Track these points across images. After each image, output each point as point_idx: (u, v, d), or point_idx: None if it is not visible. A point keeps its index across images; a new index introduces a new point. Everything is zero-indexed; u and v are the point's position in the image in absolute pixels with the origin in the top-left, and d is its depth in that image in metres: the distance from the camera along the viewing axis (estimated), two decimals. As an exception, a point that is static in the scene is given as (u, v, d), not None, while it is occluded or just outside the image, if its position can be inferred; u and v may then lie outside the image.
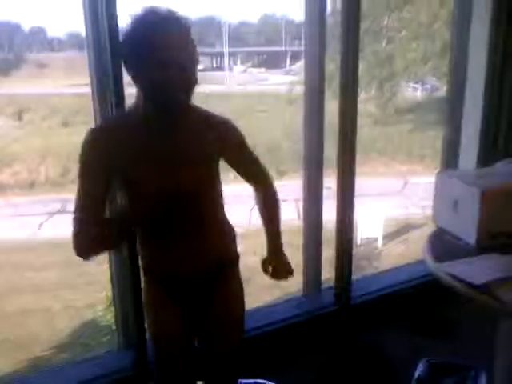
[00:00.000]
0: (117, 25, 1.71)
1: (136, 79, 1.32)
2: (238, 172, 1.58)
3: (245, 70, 27.67)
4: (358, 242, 10.47)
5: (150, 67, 1.25)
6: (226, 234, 1.57)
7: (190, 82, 1.31)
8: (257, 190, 1.64)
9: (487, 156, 2.81)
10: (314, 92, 2.41)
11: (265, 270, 1.66)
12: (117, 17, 1.71)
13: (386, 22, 18.50)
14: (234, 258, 1.61)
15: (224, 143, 1.46)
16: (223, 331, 1.56)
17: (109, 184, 1.39)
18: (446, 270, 1.40)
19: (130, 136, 1.34)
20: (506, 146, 2.86)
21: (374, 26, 18.29)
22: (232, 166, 1.54)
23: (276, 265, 1.65)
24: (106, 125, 1.53)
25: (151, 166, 1.34)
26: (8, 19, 24.14)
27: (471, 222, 1.55)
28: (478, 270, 1.36)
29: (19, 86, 19.91)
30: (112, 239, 1.39)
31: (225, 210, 1.56)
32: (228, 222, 1.58)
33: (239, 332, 1.61)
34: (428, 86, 19.45)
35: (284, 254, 1.67)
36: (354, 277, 2.58)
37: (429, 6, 16.88)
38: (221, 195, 1.53)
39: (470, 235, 1.57)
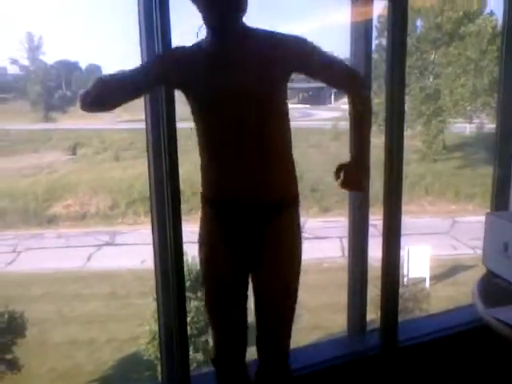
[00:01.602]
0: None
1: (196, 4, 1.41)
2: (324, 82, 1.53)
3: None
4: (405, 282, 10.16)
5: None
6: (290, 172, 1.52)
7: (239, 2, 1.39)
8: (348, 93, 1.54)
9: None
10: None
11: (337, 175, 1.56)
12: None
13: (432, 58, 18.46)
14: (294, 196, 1.53)
15: (295, 59, 1.43)
16: (275, 273, 1.49)
17: (152, 88, 1.59)
18: (495, 315, 1.34)
19: (195, 57, 1.44)
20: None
21: (421, 62, 18.30)
22: (315, 78, 1.50)
23: (350, 173, 1.54)
24: (176, 48, 1.58)
25: (216, 82, 1.40)
26: (66, 58, 25.61)
27: (524, 265, 1.50)
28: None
29: (75, 122, 20.98)
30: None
31: (292, 149, 1.52)
32: (292, 162, 1.52)
33: (291, 278, 1.52)
34: (477, 123, 19.05)
35: (365, 167, 1.56)
36: (401, 319, 2.49)
37: (477, 43, 16.75)
38: (288, 130, 1.49)
39: (522, 279, 1.51)
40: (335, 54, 1.60)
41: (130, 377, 7.14)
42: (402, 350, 2.38)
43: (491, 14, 16.51)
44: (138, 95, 1.52)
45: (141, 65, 1.59)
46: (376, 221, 2.57)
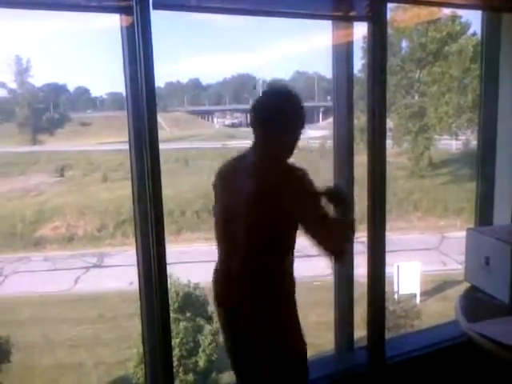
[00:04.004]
0: (153, 85, 1.81)
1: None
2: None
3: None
4: (396, 298, 10.15)
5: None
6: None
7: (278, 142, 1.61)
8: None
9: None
10: (343, 146, 2.43)
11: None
12: (154, 78, 1.81)
13: (417, 77, 18.79)
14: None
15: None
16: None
17: None
18: (477, 329, 1.35)
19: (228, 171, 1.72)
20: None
21: (406, 81, 18.60)
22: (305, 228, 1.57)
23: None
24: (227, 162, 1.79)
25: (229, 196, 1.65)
26: (54, 81, 25.66)
27: (504, 279, 1.51)
28: (511, 330, 1.31)
29: (62, 143, 20.93)
30: None
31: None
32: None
33: None
34: (463, 139, 19.31)
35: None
36: (392, 335, 2.49)
37: (460, 61, 17.10)
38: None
39: (502, 293, 1.53)
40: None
41: (118, 402, 7.01)
42: (390, 367, 2.37)
43: (474, 34, 16.89)
44: None
45: None
46: (364, 238, 2.58)
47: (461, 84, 17.54)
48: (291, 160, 1.70)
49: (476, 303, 1.60)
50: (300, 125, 1.63)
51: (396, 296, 10.31)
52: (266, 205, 1.52)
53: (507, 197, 2.83)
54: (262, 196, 1.52)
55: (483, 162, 3.00)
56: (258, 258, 1.58)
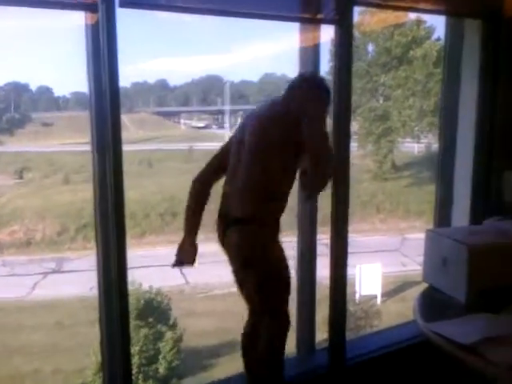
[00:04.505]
0: (118, 85, 1.77)
1: None
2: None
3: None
4: (357, 300, 10.30)
5: None
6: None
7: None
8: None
9: (479, 212, 2.81)
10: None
11: None
12: (118, 78, 1.77)
13: (382, 81, 19.17)
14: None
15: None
16: None
17: None
18: (435, 329, 1.37)
19: None
20: (497, 203, 2.87)
21: (371, 85, 18.96)
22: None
23: None
24: None
25: None
26: (16, 80, 24.90)
27: (460, 279, 1.54)
28: (467, 330, 1.33)
29: (23, 144, 20.30)
30: None
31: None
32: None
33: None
34: (425, 142, 19.81)
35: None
36: (353, 336, 2.51)
37: (423, 66, 17.53)
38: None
39: (459, 293, 1.55)
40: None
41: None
42: (350, 368, 2.39)
43: (438, 39, 17.33)
44: None
45: None
46: (327, 239, 2.59)
47: (424, 88, 17.98)
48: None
49: (434, 303, 1.62)
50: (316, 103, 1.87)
51: (357, 297, 10.46)
52: (269, 123, 1.85)
53: (465, 199, 2.90)
54: (268, 119, 1.86)
55: (443, 165, 3.07)
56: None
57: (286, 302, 1.89)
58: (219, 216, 1.94)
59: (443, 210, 3.05)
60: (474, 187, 2.88)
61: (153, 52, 27.51)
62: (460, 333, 1.31)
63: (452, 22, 2.90)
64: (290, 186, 1.90)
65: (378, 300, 11.04)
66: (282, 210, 1.90)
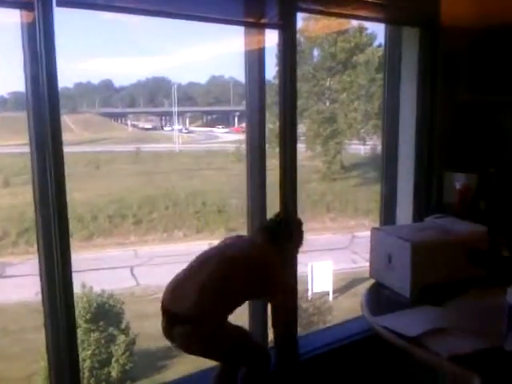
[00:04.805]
0: (56, 85, 1.73)
1: None
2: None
3: (190, 131, 28.10)
4: (309, 297, 10.48)
5: None
6: None
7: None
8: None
9: (421, 210, 2.94)
10: (255, 150, 2.47)
11: None
12: (56, 78, 1.73)
13: (328, 84, 19.61)
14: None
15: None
16: None
17: None
18: (381, 323, 1.42)
19: None
20: (438, 200, 3.01)
21: (318, 88, 19.36)
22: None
23: None
24: None
25: None
26: None
27: (404, 275, 1.61)
28: (411, 323, 1.39)
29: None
30: None
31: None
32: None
33: None
34: (371, 144, 20.43)
35: None
36: (307, 332, 2.56)
37: (367, 71, 18.10)
38: None
39: (404, 288, 1.62)
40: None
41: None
42: (303, 363, 2.44)
43: (379, 45, 17.91)
44: None
45: None
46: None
47: (368, 92, 18.55)
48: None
49: (380, 298, 1.69)
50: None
51: (310, 294, 10.64)
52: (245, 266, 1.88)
53: (408, 198, 3.03)
54: (247, 258, 1.92)
55: (387, 165, 3.19)
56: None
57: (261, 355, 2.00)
58: (165, 309, 1.88)
59: (388, 208, 3.16)
60: (416, 187, 3.01)
61: (94, 52, 26.74)
62: (405, 326, 1.37)
63: (391, 29, 3.01)
64: (237, 306, 1.92)
65: (330, 296, 11.28)
66: (225, 316, 1.88)
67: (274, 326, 2.04)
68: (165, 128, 28.47)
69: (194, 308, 1.78)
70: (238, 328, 1.92)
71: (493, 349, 1.27)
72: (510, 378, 1.19)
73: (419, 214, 2.82)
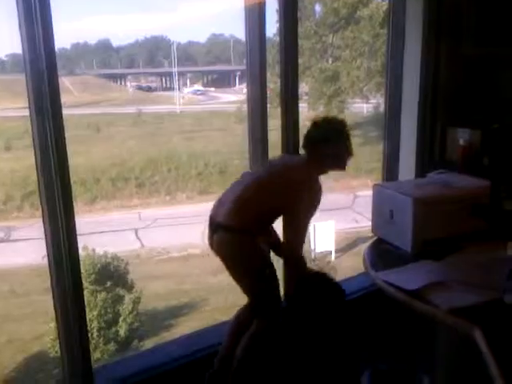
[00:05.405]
0: (53, 46, 1.70)
1: None
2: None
3: (195, 90, 27.68)
4: (313, 256, 10.61)
5: None
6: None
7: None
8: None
9: (424, 167, 2.93)
10: (256, 109, 2.45)
11: None
12: (53, 37, 1.70)
13: (331, 41, 19.17)
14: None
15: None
16: None
17: None
18: (383, 277, 1.44)
19: None
20: (441, 156, 3.00)
21: (320, 45, 18.93)
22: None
23: None
24: None
25: None
26: None
27: (406, 230, 1.62)
28: (412, 277, 1.41)
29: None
30: None
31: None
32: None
33: None
34: (374, 102, 20.18)
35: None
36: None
37: (370, 26, 17.64)
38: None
39: (405, 243, 1.64)
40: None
41: (36, 377, 6.77)
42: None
43: (384, -1, 17.36)
44: None
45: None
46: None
47: (371, 49, 18.14)
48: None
49: (382, 254, 1.70)
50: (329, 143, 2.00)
51: (313, 254, 10.78)
52: (274, 187, 1.95)
53: (411, 155, 3.01)
54: (280, 177, 2.00)
55: (390, 123, 3.16)
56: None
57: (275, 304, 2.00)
58: (209, 219, 2.04)
59: (391, 166, 3.16)
60: (419, 143, 2.99)
61: (91, 10, 26.09)
62: (406, 280, 1.39)
63: (396, -19, 2.92)
64: (271, 222, 2.07)
65: (333, 256, 11.42)
66: (260, 229, 2.01)
67: (282, 247, 2.06)
68: (165, 89, 28.11)
69: (227, 216, 1.93)
70: (267, 259, 1.99)
71: (493, 301, 1.29)
72: (510, 330, 1.22)
73: (422, 171, 2.82)
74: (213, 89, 27.70)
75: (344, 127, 2.07)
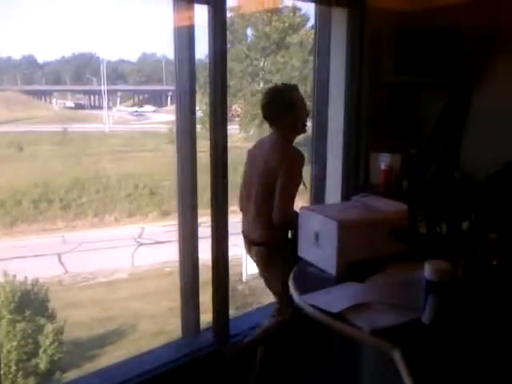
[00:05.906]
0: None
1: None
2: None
3: (134, 111, 27.18)
4: (244, 279, 10.58)
5: None
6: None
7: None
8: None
9: (350, 190, 3.04)
10: (185, 131, 2.43)
11: None
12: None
13: (262, 65, 19.59)
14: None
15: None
16: None
17: None
18: (307, 300, 1.45)
19: None
20: (365, 180, 3.12)
21: (252, 69, 19.29)
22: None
23: None
24: None
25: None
26: None
27: (331, 253, 1.65)
28: (335, 299, 1.43)
29: None
30: None
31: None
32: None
33: None
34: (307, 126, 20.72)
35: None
36: (240, 313, 2.57)
37: (300, 52, 18.25)
38: None
39: (330, 266, 1.66)
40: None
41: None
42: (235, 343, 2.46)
43: (312, 27, 18.03)
44: None
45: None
46: (209, 222, 2.60)
47: (301, 74, 18.73)
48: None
49: (307, 277, 1.72)
50: (288, 111, 2.24)
51: (244, 276, 10.75)
52: (268, 171, 2.23)
53: (337, 178, 3.11)
54: (267, 165, 2.25)
55: (317, 146, 3.25)
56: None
57: None
58: (243, 234, 2.42)
59: (318, 188, 3.24)
60: (344, 168, 3.10)
61: (14, 26, 25.00)
62: (329, 302, 1.41)
63: (321, 9, 3.05)
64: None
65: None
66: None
67: (274, 214, 2.22)
68: (93, 107, 27.35)
69: (256, 234, 2.29)
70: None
71: (412, 321, 1.33)
72: (426, 349, 1.26)
73: (348, 194, 2.91)
74: (152, 109, 27.27)
75: (297, 91, 2.26)
